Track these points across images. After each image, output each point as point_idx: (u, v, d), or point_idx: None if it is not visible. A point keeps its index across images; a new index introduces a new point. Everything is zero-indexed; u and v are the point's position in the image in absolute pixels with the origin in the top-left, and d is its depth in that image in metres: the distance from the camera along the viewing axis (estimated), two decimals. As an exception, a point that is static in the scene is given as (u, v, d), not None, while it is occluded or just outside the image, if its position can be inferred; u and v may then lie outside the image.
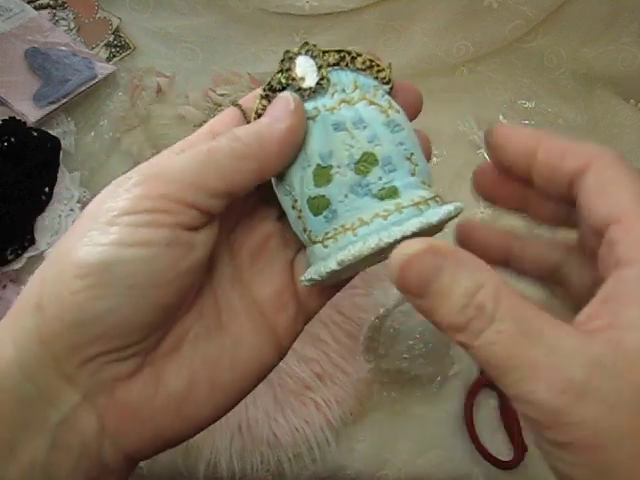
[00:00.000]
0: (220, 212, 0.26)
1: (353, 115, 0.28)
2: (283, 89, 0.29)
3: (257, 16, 0.67)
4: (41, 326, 0.24)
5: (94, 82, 0.64)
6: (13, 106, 0.61)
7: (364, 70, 0.29)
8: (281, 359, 0.30)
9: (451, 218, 0.27)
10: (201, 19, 0.68)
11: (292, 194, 0.28)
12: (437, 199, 0.28)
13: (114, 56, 0.67)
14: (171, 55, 0.68)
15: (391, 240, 0.25)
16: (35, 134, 0.59)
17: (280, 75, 0.29)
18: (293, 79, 0.29)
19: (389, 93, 0.29)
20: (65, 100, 0.62)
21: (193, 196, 0.25)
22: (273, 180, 0.29)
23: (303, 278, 0.28)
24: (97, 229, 0.24)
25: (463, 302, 0.21)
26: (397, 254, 0.22)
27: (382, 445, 0.54)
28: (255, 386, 0.29)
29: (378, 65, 0.29)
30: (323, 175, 0.27)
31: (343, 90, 0.28)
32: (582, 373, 0.20)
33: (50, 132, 0.60)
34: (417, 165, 0.28)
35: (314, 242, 0.28)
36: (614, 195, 0.24)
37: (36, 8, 0.68)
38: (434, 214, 0.26)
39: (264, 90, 0.29)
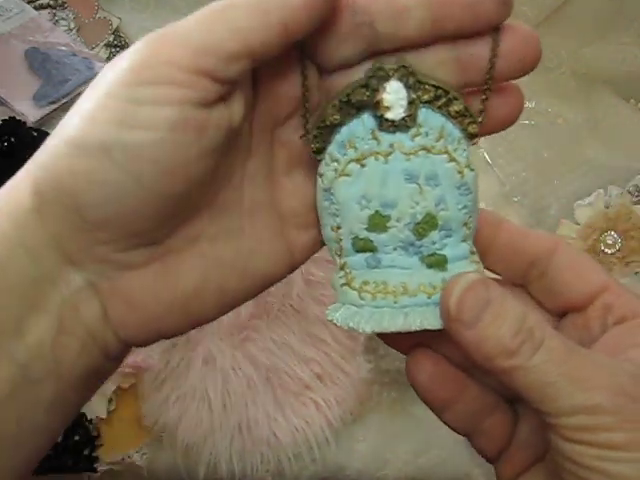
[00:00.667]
0: (238, 80, 0.23)
1: (429, 169, 0.26)
2: (361, 107, 0.26)
3: (257, 16, 0.67)
4: (41, 208, 0.22)
5: (94, 82, 0.64)
6: (13, 106, 0.61)
7: (455, 117, 0.26)
8: (290, 273, 0.29)
9: None
10: (201, 19, 0.68)
11: (337, 219, 0.27)
12: None
13: (114, 56, 0.67)
14: (171, 55, 0.68)
15: (431, 327, 0.25)
16: (35, 134, 0.59)
17: (364, 91, 0.25)
18: (377, 103, 0.25)
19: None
20: (65, 100, 0.62)
21: (203, 60, 0.21)
22: (318, 181, 0.27)
23: (329, 316, 0.27)
24: (95, 101, 0.22)
25: (516, 327, 0.23)
26: (454, 288, 0.24)
27: (382, 445, 0.54)
28: (257, 295, 0.28)
29: (472, 116, 0.26)
30: (379, 223, 0.26)
31: (427, 134, 0.26)
32: (629, 381, 0.22)
33: (50, 132, 0.60)
34: (470, 228, 0.27)
35: (348, 283, 0.27)
36: (595, 270, 0.28)
37: (36, 8, 0.68)
38: None
39: (340, 101, 0.26)
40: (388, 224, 0.26)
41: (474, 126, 0.26)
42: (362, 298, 0.26)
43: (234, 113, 0.24)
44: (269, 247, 0.27)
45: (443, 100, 0.26)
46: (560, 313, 0.28)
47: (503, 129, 0.27)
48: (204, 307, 0.26)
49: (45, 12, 0.68)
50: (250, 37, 0.22)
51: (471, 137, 0.26)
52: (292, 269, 0.28)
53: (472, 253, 0.27)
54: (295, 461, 0.52)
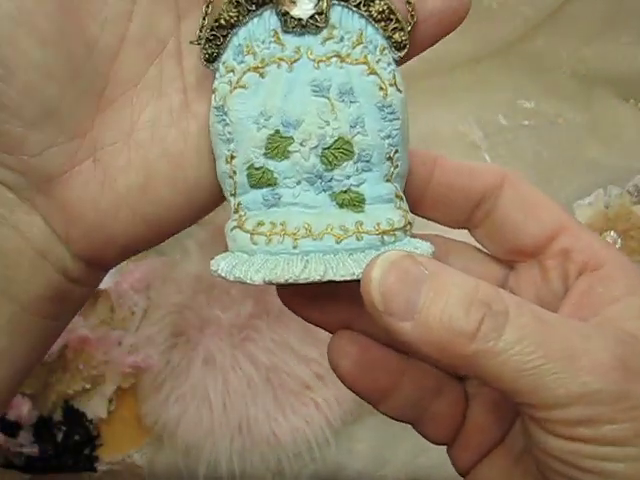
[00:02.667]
0: None
1: (343, 81, 0.21)
2: (263, 2, 0.21)
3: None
4: None
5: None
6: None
7: (378, 21, 0.21)
8: None
9: None
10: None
11: (230, 145, 0.22)
12: (407, 228, 0.22)
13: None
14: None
15: (337, 278, 0.20)
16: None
17: None
18: None
19: (398, 62, 0.22)
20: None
21: None
22: (211, 100, 0.22)
23: (213, 267, 0.22)
24: None
25: (466, 301, 0.18)
26: (372, 273, 0.19)
27: (382, 445, 0.54)
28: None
29: (398, 21, 0.21)
30: (279, 147, 0.21)
31: (342, 39, 0.21)
32: (627, 353, 0.18)
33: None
34: (397, 167, 0.22)
35: (240, 226, 0.22)
36: (548, 208, 0.23)
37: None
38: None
39: (213, 26, 0.21)
40: (290, 148, 0.21)
41: (402, 34, 0.21)
42: (255, 242, 0.21)
43: None
44: None
45: None
46: (511, 261, 0.24)
47: (441, 33, 0.23)
48: (157, 207, 0.23)
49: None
50: None
51: (398, 47, 0.21)
52: None
53: (399, 198, 0.22)
54: (295, 460, 0.52)
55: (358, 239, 0.21)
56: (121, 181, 0.22)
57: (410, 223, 0.22)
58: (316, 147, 0.21)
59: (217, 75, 0.22)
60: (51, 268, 0.23)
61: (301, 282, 0.20)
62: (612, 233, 0.56)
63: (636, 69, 0.65)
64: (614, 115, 0.65)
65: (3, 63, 0.20)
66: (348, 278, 0.20)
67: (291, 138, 0.21)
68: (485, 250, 0.26)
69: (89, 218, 0.22)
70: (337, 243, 0.21)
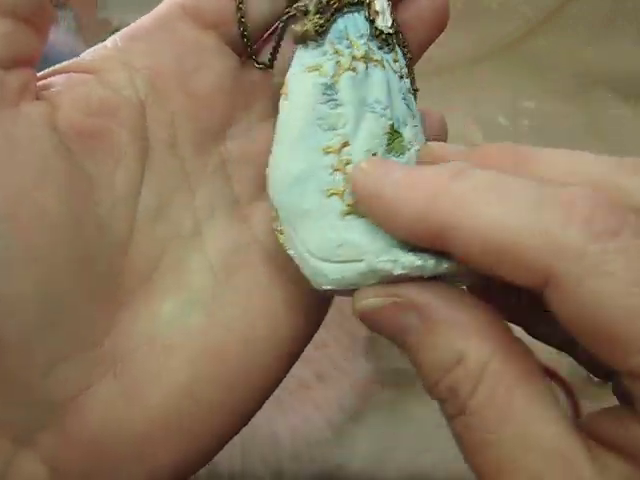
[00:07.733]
0: None
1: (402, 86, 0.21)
2: (348, 11, 0.20)
3: (257, 16, 0.67)
4: None
5: (94, 82, 0.64)
6: (13, 106, 0.61)
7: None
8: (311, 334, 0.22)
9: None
10: (201, 19, 0.69)
11: (340, 130, 0.19)
12: None
13: (114, 56, 0.68)
14: (171, 55, 0.68)
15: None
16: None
17: None
18: (368, 4, 0.20)
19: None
20: (65, 100, 0.62)
21: None
22: (307, 77, 0.20)
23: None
24: None
25: (434, 377, 0.16)
26: (356, 306, 0.18)
27: (382, 445, 0.54)
28: (285, 374, 0.21)
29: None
30: (396, 141, 0.19)
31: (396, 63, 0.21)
32: None
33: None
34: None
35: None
36: None
37: (36, 8, 0.68)
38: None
39: (321, 1, 0.19)
40: (403, 143, 0.19)
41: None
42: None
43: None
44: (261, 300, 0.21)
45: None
46: None
47: (430, 37, 0.23)
48: (203, 417, 0.18)
49: (45, 12, 0.68)
50: None
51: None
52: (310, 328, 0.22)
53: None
54: (294, 461, 0.52)
55: None
56: (152, 395, 0.18)
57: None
58: (417, 150, 0.20)
59: (319, 51, 0.20)
60: None
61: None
62: (612, 233, 0.56)
63: (636, 69, 0.65)
64: (614, 115, 0.65)
65: None
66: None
67: (401, 135, 0.19)
68: None
69: (118, 449, 0.17)
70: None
